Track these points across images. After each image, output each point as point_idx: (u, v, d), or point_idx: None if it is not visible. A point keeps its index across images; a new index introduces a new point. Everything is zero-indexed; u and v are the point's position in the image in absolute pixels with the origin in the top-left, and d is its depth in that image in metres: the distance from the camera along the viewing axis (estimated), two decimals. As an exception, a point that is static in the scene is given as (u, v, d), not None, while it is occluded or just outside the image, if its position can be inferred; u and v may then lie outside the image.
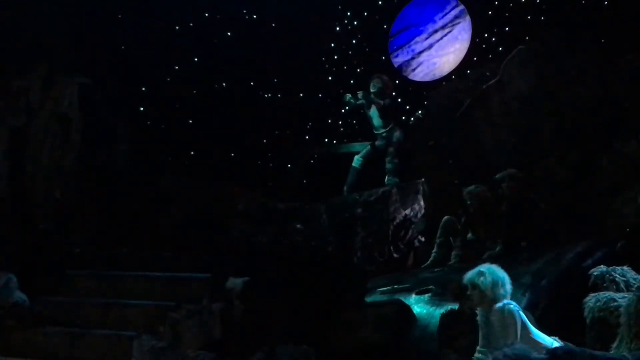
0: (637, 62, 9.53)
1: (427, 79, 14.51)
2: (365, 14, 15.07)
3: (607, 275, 7.18)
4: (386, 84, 12.76)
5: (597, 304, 6.97)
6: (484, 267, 6.46)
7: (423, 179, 11.78)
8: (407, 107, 14.20)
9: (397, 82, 14.33)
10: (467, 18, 14.16)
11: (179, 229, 11.78)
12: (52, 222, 11.59)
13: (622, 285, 7.11)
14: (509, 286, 6.39)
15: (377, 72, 13.19)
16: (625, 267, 7.26)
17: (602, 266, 7.33)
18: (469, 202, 9.78)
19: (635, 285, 7.05)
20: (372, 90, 12.71)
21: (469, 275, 6.45)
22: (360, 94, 12.71)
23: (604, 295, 7.00)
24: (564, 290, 7.86)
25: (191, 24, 14.50)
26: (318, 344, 8.64)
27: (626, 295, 6.85)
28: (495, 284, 6.32)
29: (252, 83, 14.94)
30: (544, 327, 6.60)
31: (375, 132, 12.91)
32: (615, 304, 6.88)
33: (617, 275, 7.17)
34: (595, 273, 7.28)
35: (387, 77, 12.96)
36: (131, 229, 11.82)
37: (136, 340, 9.18)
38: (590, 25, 10.82)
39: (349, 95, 12.81)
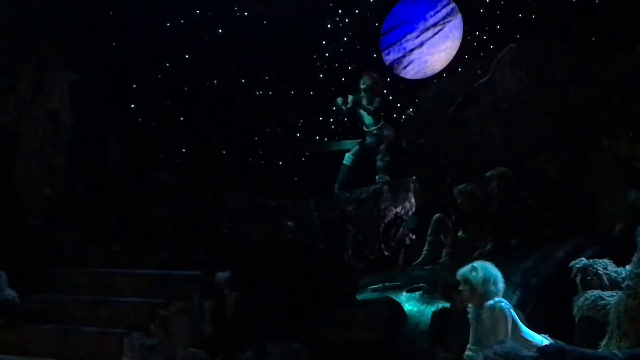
0: (628, 61, 9.53)
1: (418, 76, 14.52)
2: (357, 11, 15.07)
3: (590, 268, 7.21)
4: (376, 81, 12.83)
5: (586, 302, 7.01)
6: (477, 263, 6.50)
7: (414, 177, 11.79)
8: (398, 105, 14.21)
9: (388, 79, 14.36)
10: (459, 16, 14.17)
11: (169, 227, 11.76)
12: (42, 219, 11.54)
13: (604, 278, 7.14)
14: (501, 284, 6.41)
15: (368, 69, 13.23)
16: (607, 260, 7.29)
17: (583, 259, 7.36)
18: (459, 201, 9.78)
19: (619, 279, 7.08)
20: (362, 87, 12.77)
21: (462, 270, 6.49)
22: (350, 97, 12.75)
23: (592, 293, 7.04)
24: (554, 288, 7.88)
25: (182, 21, 14.46)
26: (308, 342, 8.65)
27: (614, 294, 6.88)
28: (486, 280, 6.34)
29: (243, 80, 14.92)
30: (534, 325, 6.61)
31: (366, 129, 12.94)
32: (603, 302, 6.91)
33: (600, 268, 7.20)
34: (577, 265, 7.30)
35: (377, 75, 13.01)
36: (121, 226, 11.79)
37: (126, 337, 9.18)
38: (581, 24, 10.84)
39: (340, 100, 12.86)
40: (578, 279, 7.25)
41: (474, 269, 6.42)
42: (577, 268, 7.29)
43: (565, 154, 9.46)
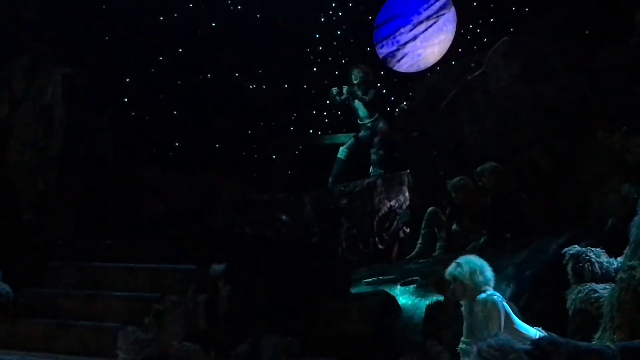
0: (621, 54, 9.55)
1: (411, 70, 14.51)
2: (350, 4, 15.07)
3: (583, 255, 7.22)
4: (367, 73, 12.85)
5: (579, 295, 7.03)
6: (461, 259, 6.50)
7: (408, 170, 11.81)
8: (392, 98, 14.22)
9: (381, 73, 14.36)
10: (452, 9, 14.16)
11: (163, 220, 11.75)
12: (35, 213, 11.52)
13: (596, 266, 7.15)
14: (489, 273, 6.41)
15: (357, 62, 13.24)
16: (600, 249, 7.30)
17: (576, 246, 7.37)
18: (453, 194, 9.80)
19: (611, 269, 7.10)
20: (354, 82, 12.78)
21: (448, 270, 6.50)
22: (345, 88, 12.76)
23: (585, 286, 7.05)
24: (547, 281, 7.90)
25: (175, 15, 14.43)
26: (302, 335, 8.65)
27: (607, 287, 6.90)
28: (472, 272, 6.35)
29: (236, 74, 14.90)
30: (528, 318, 6.63)
31: (360, 122, 12.95)
32: (597, 295, 6.94)
33: (592, 256, 7.21)
34: (570, 252, 7.31)
35: (366, 66, 13.03)
36: (115, 220, 11.77)
37: (120, 331, 9.17)
38: (574, 17, 10.85)
39: (334, 90, 12.87)
40: (570, 266, 7.25)
41: (458, 264, 6.43)
42: (570, 255, 7.30)
43: (558, 147, 9.48)
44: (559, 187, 9.26)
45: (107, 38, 13.68)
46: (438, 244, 10.02)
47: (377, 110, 12.95)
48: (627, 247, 6.71)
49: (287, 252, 9.53)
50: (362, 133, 12.92)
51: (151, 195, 12.33)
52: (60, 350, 9.42)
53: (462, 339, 6.47)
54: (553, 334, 6.24)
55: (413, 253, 10.24)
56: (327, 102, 13.64)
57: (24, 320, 9.94)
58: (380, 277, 9.45)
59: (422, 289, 8.73)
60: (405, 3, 14.65)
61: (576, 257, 7.25)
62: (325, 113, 14.90)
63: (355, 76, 12.80)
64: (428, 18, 14.42)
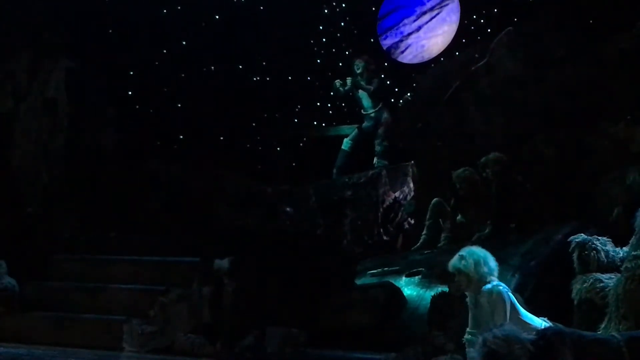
0: (625, 43, 9.52)
1: (415, 61, 14.50)
2: (354, -4, 15.06)
3: (589, 244, 7.20)
4: (368, 62, 12.89)
5: (584, 285, 7.02)
6: (464, 251, 6.49)
7: (412, 162, 11.80)
8: (396, 90, 14.20)
9: (385, 64, 14.34)
10: (456, 0, 14.13)
11: (167, 213, 11.75)
12: (39, 206, 11.53)
13: (602, 254, 7.13)
14: (492, 263, 6.41)
15: (360, 54, 13.25)
16: (606, 238, 7.28)
17: (582, 234, 7.35)
18: (458, 185, 9.78)
19: (617, 259, 7.09)
20: (357, 72, 12.82)
21: (452, 262, 6.49)
22: (349, 80, 12.79)
23: (590, 276, 7.04)
24: (552, 271, 7.89)
25: (179, 7, 14.41)
26: (307, 327, 8.65)
27: (613, 277, 6.89)
28: (477, 263, 6.35)
29: (240, 66, 14.89)
30: (533, 308, 6.62)
31: (364, 112, 12.96)
32: (602, 284, 6.92)
33: (598, 244, 7.19)
34: (576, 240, 7.30)
35: (367, 56, 13.05)
36: (119, 213, 11.77)
37: (126, 324, 9.19)
38: (578, 6, 10.81)
39: (338, 83, 12.89)
40: (575, 254, 7.23)
41: (462, 257, 6.42)
42: (576, 243, 7.28)
43: (563, 136, 9.46)
44: (564, 177, 9.24)
45: (110, 31, 13.66)
46: (443, 235, 10.00)
47: (381, 101, 12.96)
48: (633, 237, 6.69)
49: (291, 243, 9.53)
50: (365, 124, 12.93)
51: (155, 188, 12.33)
52: (66, 343, 9.42)
53: (468, 329, 6.47)
54: (558, 324, 6.24)
55: (418, 244, 10.23)
56: (331, 93, 13.64)
57: (30, 313, 9.96)
58: (385, 269, 9.44)
59: (427, 280, 8.72)
60: (409, -6, 14.64)
61: (582, 245, 7.23)
62: (329, 105, 14.89)
63: (358, 66, 12.86)
64: (432, 9, 14.39)
